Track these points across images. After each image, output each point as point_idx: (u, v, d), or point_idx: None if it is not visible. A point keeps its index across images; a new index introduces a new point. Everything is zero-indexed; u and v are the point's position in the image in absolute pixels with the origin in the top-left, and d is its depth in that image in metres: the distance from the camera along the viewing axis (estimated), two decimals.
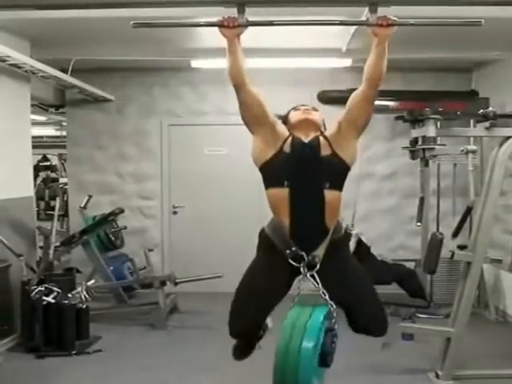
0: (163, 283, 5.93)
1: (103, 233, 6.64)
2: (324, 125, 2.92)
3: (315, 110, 2.92)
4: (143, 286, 6.28)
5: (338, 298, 2.77)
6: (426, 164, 5.94)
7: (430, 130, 5.41)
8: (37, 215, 6.40)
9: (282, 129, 2.83)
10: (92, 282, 5.61)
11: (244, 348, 3.27)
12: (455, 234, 5.14)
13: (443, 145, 5.60)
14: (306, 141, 2.76)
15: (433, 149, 5.50)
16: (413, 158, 5.98)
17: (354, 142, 2.78)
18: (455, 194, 6.50)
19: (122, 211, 6.54)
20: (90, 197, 6.85)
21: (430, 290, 6.31)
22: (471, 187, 4.96)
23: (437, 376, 4.33)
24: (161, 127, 7.37)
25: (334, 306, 2.72)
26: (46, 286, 4.99)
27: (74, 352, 4.91)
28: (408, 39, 4.15)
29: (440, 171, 6.76)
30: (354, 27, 4.78)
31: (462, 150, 5.01)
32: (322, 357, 2.65)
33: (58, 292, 4.99)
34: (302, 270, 2.74)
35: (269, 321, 3.13)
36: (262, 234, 2.95)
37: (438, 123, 5.59)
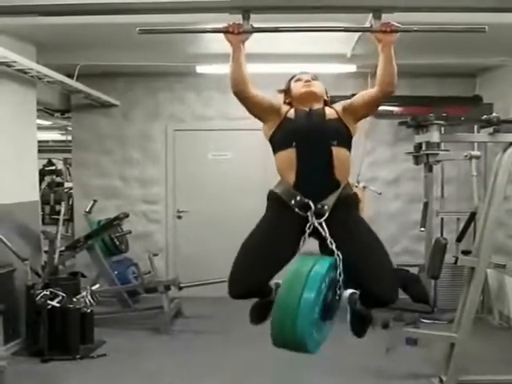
0: (168, 288, 5.94)
1: (108, 237, 6.67)
2: (326, 93, 2.95)
3: (315, 78, 2.94)
4: (148, 290, 6.28)
5: (344, 250, 2.68)
6: (430, 169, 5.95)
7: (434, 135, 5.42)
8: (42, 219, 6.42)
9: (286, 106, 2.89)
10: (97, 286, 5.63)
11: (260, 309, 3.07)
12: (459, 239, 5.15)
13: (447, 150, 5.61)
14: (308, 109, 2.82)
15: (436, 154, 5.52)
16: (416, 163, 5.98)
17: (354, 122, 2.84)
18: (459, 200, 6.52)
19: (126, 216, 6.56)
20: (95, 201, 6.87)
21: (434, 295, 6.30)
22: (475, 192, 4.97)
23: (441, 381, 4.32)
24: (166, 132, 7.40)
25: (341, 256, 2.67)
26: (51, 290, 5.00)
27: (78, 356, 4.92)
28: (412, 45, 4.16)
29: (444, 176, 6.76)
30: (359, 33, 4.80)
31: (466, 156, 5.02)
32: (324, 309, 2.62)
33: (62, 296, 4.99)
34: (309, 217, 2.71)
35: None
36: (270, 193, 2.92)
37: (442, 129, 5.60)
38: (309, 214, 2.71)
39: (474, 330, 4.32)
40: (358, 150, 6.38)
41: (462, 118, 6.07)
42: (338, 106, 2.85)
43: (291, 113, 2.83)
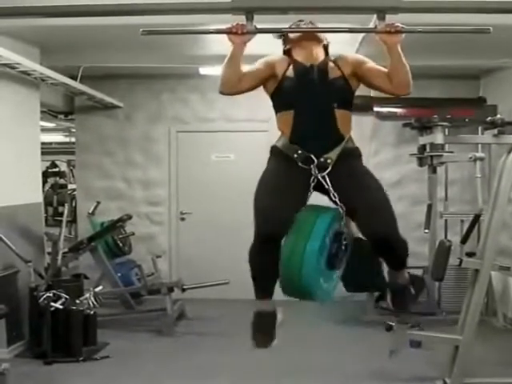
0: (171, 289, 5.94)
1: (111, 239, 6.66)
2: (326, 38, 2.89)
3: (313, 23, 2.86)
4: (151, 292, 6.28)
5: (349, 202, 2.70)
6: (434, 171, 5.93)
7: (438, 137, 5.41)
8: (45, 221, 6.42)
9: (281, 62, 2.83)
10: (100, 288, 5.61)
11: (264, 325, 2.99)
12: (464, 241, 5.13)
13: (451, 152, 5.60)
14: (309, 64, 2.77)
15: (441, 156, 5.51)
16: (420, 164, 5.98)
17: (357, 82, 2.82)
18: (463, 202, 6.50)
19: (129, 217, 6.56)
20: (98, 203, 6.88)
21: (438, 297, 6.28)
22: (479, 194, 4.95)
23: None
24: (169, 134, 7.40)
25: (344, 209, 2.69)
26: (54, 292, 4.99)
27: (81, 358, 4.92)
28: (416, 47, 4.14)
29: (448, 178, 6.75)
30: (362, 34, 4.79)
31: (470, 158, 5.01)
32: (329, 259, 2.67)
33: (65, 298, 4.99)
34: (312, 171, 2.72)
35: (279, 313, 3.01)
36: (272, 148, 2.91)
37: (446, 130, 5.59)
38: (312, 167, 2.72)
39: (478, 333, 4.30)
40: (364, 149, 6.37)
41: (466, 120, 6.06)
42: (347, 64, 2.79)
43: (290, 70, 2.77)
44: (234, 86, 2.69)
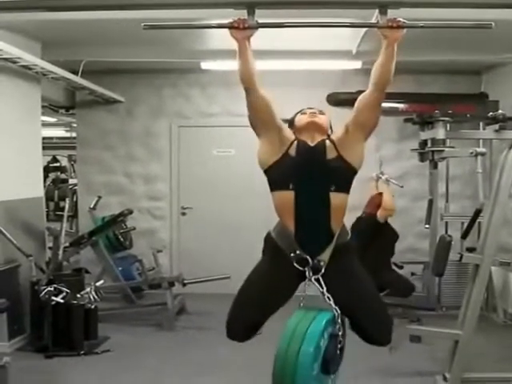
0: (171, 284, 5.95)
1: (112, 234, 6.67)
2: (331, 127, 2.93)
3: (322, 113, 2.92)
4: (151, 286, 6.29)
5: (342, 302, 2.74)
6: (435, 166, 5.93)
7: (440, 132, 5.41)
8: (46, 216, 6.43)
9: (288, 133, 2.84)
10: (101, 282, 5.62)
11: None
12: (464, 236, 5.13)
13: (452, 147, 5.59)
14: (312, 144, 2.77)
15: (442, 151, 5.50)
16: (422, 160, 5.97)
17: (360, 144, 2.79)
18: (464, 197, 6.49)
19: (130, 212, 6.56)
20: (100, 198, 6.88)
21: (438, 293, 6.29)
22: (480, 190, 4.95)
23: (444, 379, 4.31)
24: (170, 128, 7.40)
25: (339, 312, 2.71)
26: (55, 286, 5.00)
27: (82, 352, 4.93)
28: (418, 42, 4.14)
29: (449, 174, 6.74)
30: (364, 29, 4.78)
31: (472, 153, 5.00)
32: (324, 363, 2.61)
33: (66, 292, 4.99)
34: (307, 273, 2.74)
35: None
36: (268, 238, 2.94)
37: (448, 126, 5.58)
38: (306, 269, 2.74)
39: (478, 328, 4.30)
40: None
41: (468, 115, 6.05)
42: (340, 132, 2.79)
43: (293, 149, 2.77)
44: (249, 78, 2.69)
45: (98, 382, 4.43)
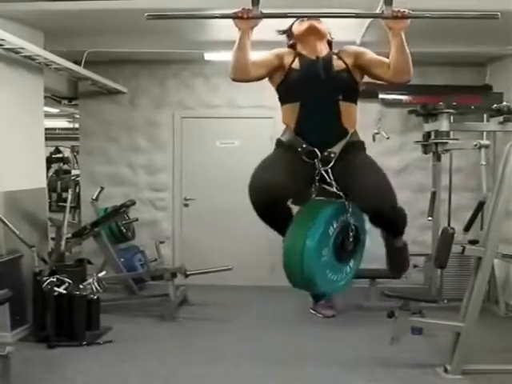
0: (174, 275, 5.95)
1: (115, 225, 6.68)
2: (330, 34, 2.95)
3: (319, 20, 2.90)
4: (154, 277, 6.29)
5: (351, 187, 2.75)
6: (439, 158, 5.92)
7: (443, 124, 5.39)
8: (49, 207, 6.43)
9: (288, 52, 2.87)
10: (103, 273, 5.64)
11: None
12: (467, 229, 5.12)
13: (456, 139, 5.58)
14: (315, 56, 2.80)
15: (445, 143, 5.49)
16: (425, 152, 5.96)
17: (361, 75, 2.85)
18: (467, 189, 6.47)
19: (133, 203, 6.56)
20: (102, 189, 6.88)
21: (440, 285, 6.29)
22: (483, 182, 4.94)
23: (445, 370, 4.33)
24: (173, 119, 7.38)
25: (348, 202, 2.75)
26: (58, 276, 5.01)
27: (84, 342, 4.94)
28: (421, 33, 4.12)
29: (452, 166, 6.73)
30: (369, 20, 4.75)
31: (475, 145, 4.99)
32: (338, 251, 2.69)
33: (69, 283, 5.00)
34: (316, 164, 2.77)
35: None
36: (278, 141, 2.95)
37: (451, 117, 5.56)
38: (315, 161, 2.76)
39: (479, 320, 4.31)
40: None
41: (472, 107, 6.03)
42: (349, 56, 2.83)
43: (296, 63, 2.81)
44: (244, 72, 2.69)
45: (100, 372, 4.43)
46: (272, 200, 2.71)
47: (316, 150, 2.76)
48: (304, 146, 2.78)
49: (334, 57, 2.82)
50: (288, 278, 2.73)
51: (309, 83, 2.76)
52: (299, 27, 2.86)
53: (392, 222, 2.93)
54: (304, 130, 2.79)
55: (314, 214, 2.66)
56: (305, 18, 2.85)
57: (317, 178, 2.77)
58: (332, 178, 2.75)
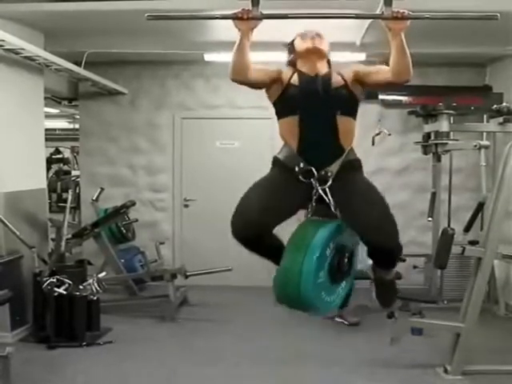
0: (174, 276, 5.95)
1: (115, 225, 6.68)
2: (329, 52, 2.95)
3: (321, 36, 2.91)
4: (154, 278, 6.30)
5: (351, 214, 2.75)
6: (439, 159, 5.92)
7: (443, 124, 5.40)
8: (49, 207, 6.43)
9: (287, 69, 2.89)
10: (103, 274, 5.64)
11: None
12: (467, 229, 5.13)
13: (456, 140, 5.58)
14: (314, 73, 2.81)
15: (445, 144, 5.49)
16: (425, 152, 5.97)
17: (361, 90, 2.84)
18: (467, 190, 6.47)
19: (133, 204, 6.57)
20: (102, 189, 6.88)
21: (440, 285, 6.29)
22: (483, 183, 4.94)
23: (445, 371, 4.33)
24: (173, 120, 7.38)
25: (346, 222, 2.74)
26: (58, 277, 5.01)
27: (84, 343, 4.94)
28: (421, 34, 4.13)
29: (452, 166, 6.73)
30: (369, 21, 4.76)
31: (475, 146, 4.99)
32: (333, 272, 2.66)
33: (69, 284, 5.00)
34: (313, 184, 2.76)
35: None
36: (274, 159, 2.95)
37: (451, 118, 5.56)
38: (312, 180, 2.75)
39: (479, 321, 4.32)
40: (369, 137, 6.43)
41: (472, 108, 6.04)
42: (348, 72, 2.84)
43: (295, 78, 2.82)
44: (243, 73, 2.68)
45: (100, 373, 4.43)
46: (253, 235, 2.77)
47: (313, 169, 2.76)
48: (301, 165, 2.77)
49: (334, 74, 2.83)
50: (279, 299, 2.70)
51: (307, 99, 2.76)
52: (301, 44, 2.87)
53: (391, 256, 2.94)
54: (305, 148, 2.79)
55: (311, 236, 2.63)
56: (307, 33, 2.87)
57: (314, 197, 2.76)
58: (330, 197, 2.74)
